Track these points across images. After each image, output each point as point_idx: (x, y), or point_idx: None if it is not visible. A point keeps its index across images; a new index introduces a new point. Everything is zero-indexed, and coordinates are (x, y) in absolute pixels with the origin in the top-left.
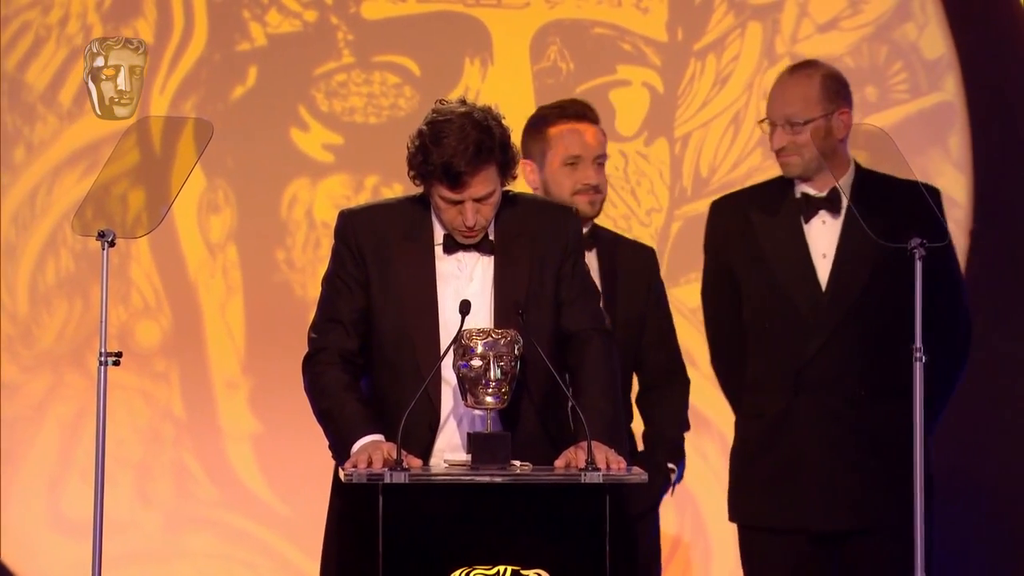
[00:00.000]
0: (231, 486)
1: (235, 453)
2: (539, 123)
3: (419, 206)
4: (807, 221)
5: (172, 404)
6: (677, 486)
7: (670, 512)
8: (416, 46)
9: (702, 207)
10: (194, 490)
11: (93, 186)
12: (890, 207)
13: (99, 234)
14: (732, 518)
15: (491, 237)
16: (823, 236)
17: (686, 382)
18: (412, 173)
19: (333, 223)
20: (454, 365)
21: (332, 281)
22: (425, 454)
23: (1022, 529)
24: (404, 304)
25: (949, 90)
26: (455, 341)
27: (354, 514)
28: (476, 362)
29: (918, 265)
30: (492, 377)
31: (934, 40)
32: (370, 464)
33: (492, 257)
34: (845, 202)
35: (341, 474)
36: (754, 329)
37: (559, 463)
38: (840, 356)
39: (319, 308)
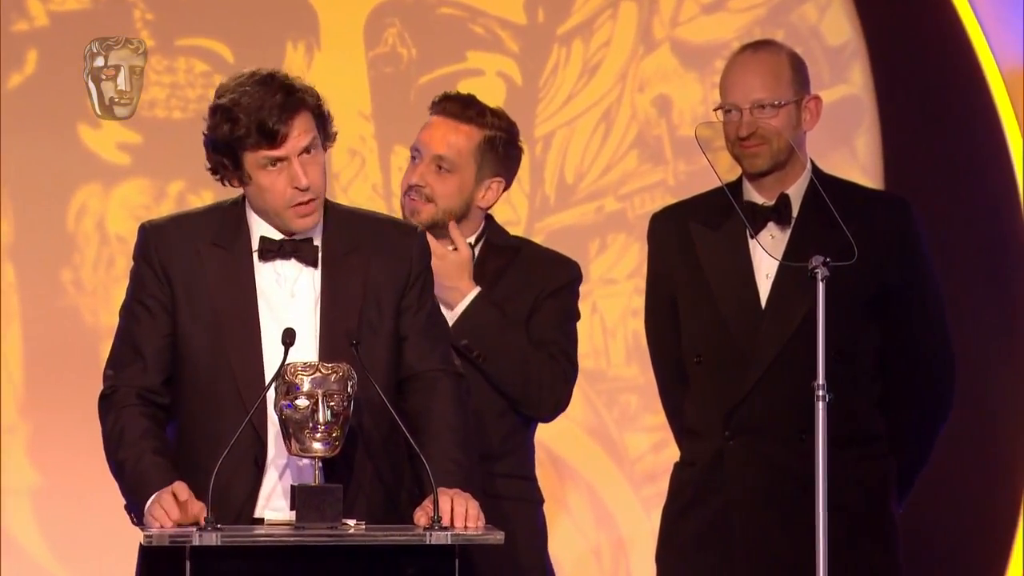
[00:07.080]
0: (5, 548)
1: (10, 509)
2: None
3: (233, 209)
4: (755, 235)
5: None
6: None
7: None
8: (228, 28)
9: (567, 219)
10: None
11: None
12: (849, 220)
13: None
14: None
15: (316, 244)
16: (770, 253)
17: None
18: (219, 157)
19: (131, 237)
20: (276, 405)
21: (130, 308)
22: (251, 497)
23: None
24: (220, 324)
25: (855, 82)
26: (276, 377)
27: None
28: (302, 402)
29: (820, 288)
30: (321, 419)
31: (838, 24)
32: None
33: (317, 271)
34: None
35: (141, 537)
36: (690, 364)
37: (420, 518)
38: (778, 395)
39: (116, 340)
